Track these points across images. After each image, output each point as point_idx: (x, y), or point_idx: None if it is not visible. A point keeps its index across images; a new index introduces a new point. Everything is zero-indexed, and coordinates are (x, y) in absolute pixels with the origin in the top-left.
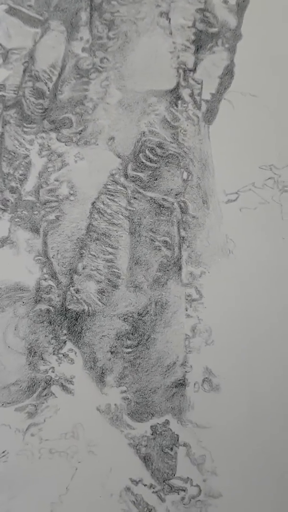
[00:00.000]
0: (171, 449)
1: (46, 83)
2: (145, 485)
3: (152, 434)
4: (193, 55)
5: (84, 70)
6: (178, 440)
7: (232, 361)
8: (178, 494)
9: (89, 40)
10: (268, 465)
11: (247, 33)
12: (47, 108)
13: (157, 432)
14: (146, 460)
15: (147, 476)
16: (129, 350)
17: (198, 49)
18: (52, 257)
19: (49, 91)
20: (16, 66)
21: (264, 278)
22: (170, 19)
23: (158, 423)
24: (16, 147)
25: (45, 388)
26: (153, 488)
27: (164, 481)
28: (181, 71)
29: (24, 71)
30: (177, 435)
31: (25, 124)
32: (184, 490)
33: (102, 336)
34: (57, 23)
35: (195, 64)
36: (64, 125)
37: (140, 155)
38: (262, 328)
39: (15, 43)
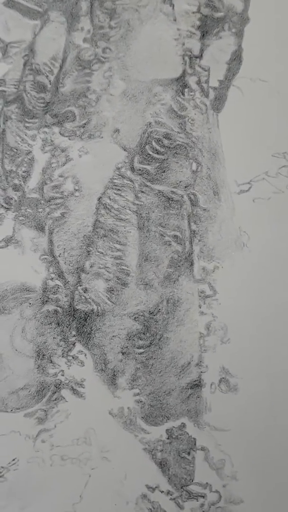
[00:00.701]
0: (189, 453)
1: (47, 76)
2: (162, 492)
3: (168, 438)
4: (198, 41)
5: (86, 61)
6: (195, 444)
7: (250, 360)
8: (197, 501)
9: (90, 30)
10: None
11: (255, 16)
12: (49, 102)
13: (173, 436)
14: (162, 465)
15: (164, 482)
16: (141, 350)
17: (204, 35)
18: (59, 256)
19: (50, 84)
20: (16, 60)
21: (281, 271)
22: (173, 5)
23: (174, 427)
24: (18, 143)
25: (55, 392)
26: (171, 495)
27: (182, 487)
28: (187, 58)
29: (24, 64)
30: (194, 438)
31: (26, 119)
32: (203, 497)
33: (113, 336)
34: (56, 14)
35: (201, 51)
36: (67, 119)
37: (147, 147)
38: (281, 324)
39: (14, 36)
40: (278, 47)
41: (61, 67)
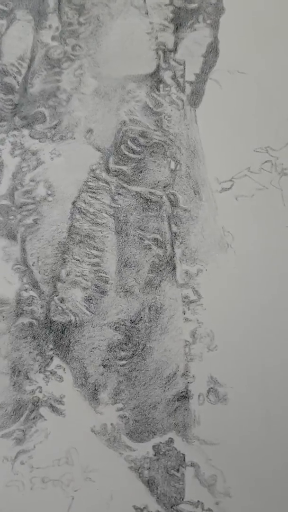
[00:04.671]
0: (178, 470)
1: (15, 77)
2: None
3: (155, 455)
4: (172, 34)
5: (55, 60)
6: (184, 459)
7: (239, 367)
8: None
9: (58, 28)
10: None
11: (230, 6)
12: (17, 104)
13: (161, 452)
14: (150, 484)
15: (153, 502)
16: (124, 362)
17: (177, 27)
18: (32, 265)
19: (18, 85)
20: None
21: (268, 272)
22: None
23: (161, 442)
24: None
25: (33, 410)
26: None
27: (172, 507)
28: (160, 52)
29: None
30: (183, 454)
31: None
32: None
33: (93, 348)
34: (23, 12)
35: (176, 44)
36: (37, 121)
37: (122, 146)
38: (270, 327)
39: None
40: (255, 37)
41: (29, 67)
